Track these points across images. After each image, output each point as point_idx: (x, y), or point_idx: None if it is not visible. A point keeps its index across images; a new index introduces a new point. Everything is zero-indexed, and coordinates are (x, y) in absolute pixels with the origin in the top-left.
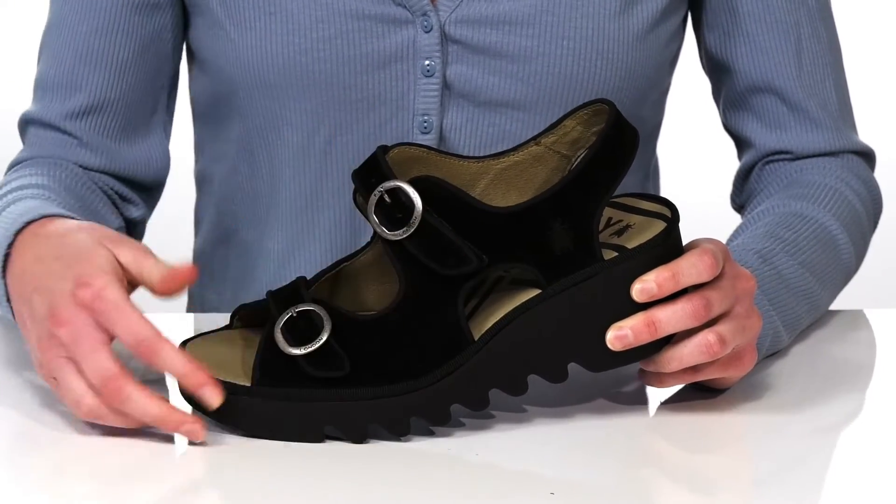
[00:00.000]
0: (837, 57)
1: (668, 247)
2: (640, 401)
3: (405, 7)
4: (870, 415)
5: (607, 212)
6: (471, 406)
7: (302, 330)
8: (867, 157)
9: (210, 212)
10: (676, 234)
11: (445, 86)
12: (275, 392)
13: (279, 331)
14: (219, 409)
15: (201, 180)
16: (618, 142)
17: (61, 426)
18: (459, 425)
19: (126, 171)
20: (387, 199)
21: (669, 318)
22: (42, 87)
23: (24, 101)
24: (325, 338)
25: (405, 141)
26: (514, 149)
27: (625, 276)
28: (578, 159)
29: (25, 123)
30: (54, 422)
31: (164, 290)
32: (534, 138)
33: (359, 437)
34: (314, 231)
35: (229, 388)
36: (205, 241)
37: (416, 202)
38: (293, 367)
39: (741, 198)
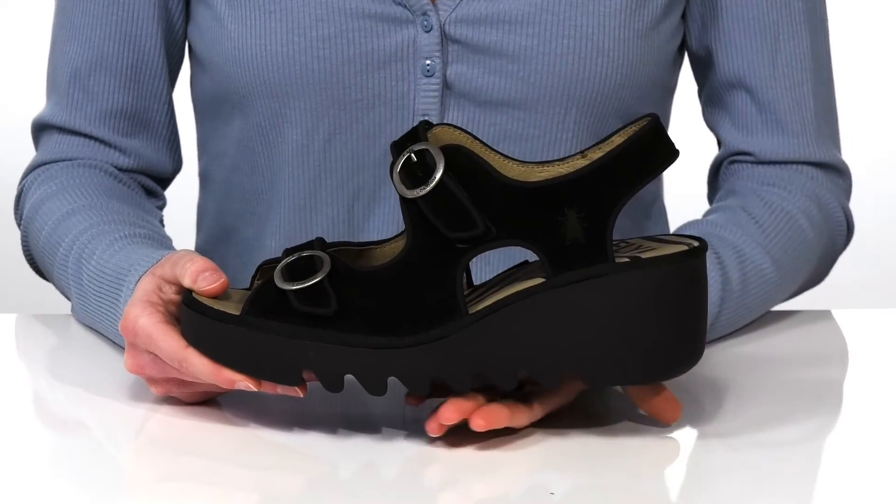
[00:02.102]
0: (821, 65)
1: (688, 269)
2: None
3: (405, 6)
4: (843, 417)
5: (634, 238)
6: (455, 384)
7: (301, 270)
8: (838, 171)
9: (211, 209)
10: (699, 263)
11: (446, 85)
12: (259, 322)
13: (279, 269)
14: (210, 341)
15: (204, 178)
16: (650, 148)
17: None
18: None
19: (152, 167)
20: (414, 158)
21: None
22: (59, 91)
23: (24, 101)
24: (319, 278)
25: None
26: (560, 160)
27: (634, 285)
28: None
29: (44, 127)
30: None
31: (199, 290)
32: (580, 151)
33: (334, 385)
34: (312, 229)
35: (218, 316)
36: (206, 238)
37: (438, 164)
38: (283, 302)
39: (711, 195)
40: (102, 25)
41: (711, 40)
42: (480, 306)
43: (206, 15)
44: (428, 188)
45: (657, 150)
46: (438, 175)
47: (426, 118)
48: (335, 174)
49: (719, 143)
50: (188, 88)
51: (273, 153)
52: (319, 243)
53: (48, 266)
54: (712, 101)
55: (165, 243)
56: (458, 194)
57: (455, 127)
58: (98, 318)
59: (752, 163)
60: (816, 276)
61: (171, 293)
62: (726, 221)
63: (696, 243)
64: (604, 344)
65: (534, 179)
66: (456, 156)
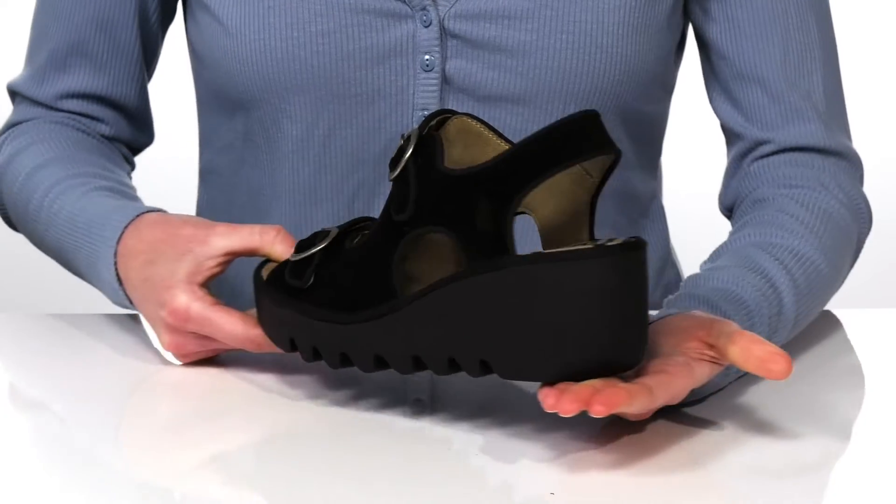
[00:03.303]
0: (829, 54)
1: (582, 269)
2: None
3: (404, 2)
4: (842, 418)
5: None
6: (395, 365)
7: (308, 244)
8: (851, 160)
9: (213, 204)
10: (596, 264)
11: (445, 80)
12: (267, 290)
13: (298, 242)
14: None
15: (206, 173)
16: (569, 137)
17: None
18: (459, 424)
19: (122, 138)
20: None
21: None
22: (34, 65)
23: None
24: (312, 252)
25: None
26: None
27: (525, 280)
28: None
29: (17, 94)
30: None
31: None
32: None
33: (310, 356)
34: (313, 224)
35: (254, 284)
36: None
37: (407, 150)
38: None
39: (727, 198)
40: (81, 10)
41: (720, 31)
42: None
43: (203, 12)
44: (395, 172)
45: (575, 136)
46: (403, 160)
47: (425, 113)
48: (335, 169)
49: (730, 138)
50: (189, 83)
51: (273, 148)
52: (365, 219)
53: (21, 219)
54: (720, 92)
55: (129, 195)
56: (410, 178)
57: (471, 116)
58: (76, 266)
59: (770, 154)
60: (848, 271)
61: (212, 266)
62: (775, 229)
63: (621, 241)
64: (505, 338)
65: None
66: (427, 144)
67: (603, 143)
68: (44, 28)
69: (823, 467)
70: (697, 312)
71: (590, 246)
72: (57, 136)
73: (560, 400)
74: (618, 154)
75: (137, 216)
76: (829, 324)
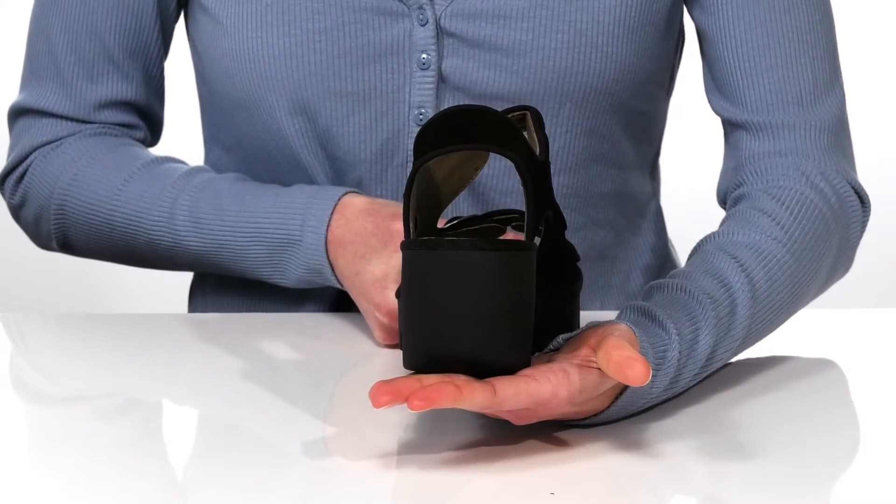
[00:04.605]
0: (821, 38)
1: (422, 258)
2: None
3: (401, 0)
4: (839, 417)
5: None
6: None
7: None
8: (840, 144)
9: None
10: (502, 262)
11: (441, 79)
12: None
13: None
14: None
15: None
16: (446, 123)
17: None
18: (458, 424)
19: (146, 141)
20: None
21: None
22: (52, 79)
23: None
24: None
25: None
26: None
27: (418, 264)
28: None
29: (32, 112)
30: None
31: None
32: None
33: None
34: None
35: None
36: None
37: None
38: None
39: (719, 193)
40: (106, 19)
41: (704, 14)
42: None
43: (202, 12)
44: None
45: (453, 123)
46: None
47: (421, 111)
48: (331, 168)
49: (723, 127)
50: (191, 84)
51: (270, 146)
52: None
53: (114, 237)
54: (711, 79)
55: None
56: None
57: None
58: (241, 264)
59: (754, 138)
60: (840, 259)
61: None
62: (741, 226)
63: (509, 240)
64: (403, 321)
65: None
66: None
67: (504, 141)
68: (55, 42)
69: (823, 468)
70: (616, 322)
71: (475, 239)
72: (121, 147)
73: (377, 392)
74: (517, 158)
75: (338, 201)
76: (829, 324)
